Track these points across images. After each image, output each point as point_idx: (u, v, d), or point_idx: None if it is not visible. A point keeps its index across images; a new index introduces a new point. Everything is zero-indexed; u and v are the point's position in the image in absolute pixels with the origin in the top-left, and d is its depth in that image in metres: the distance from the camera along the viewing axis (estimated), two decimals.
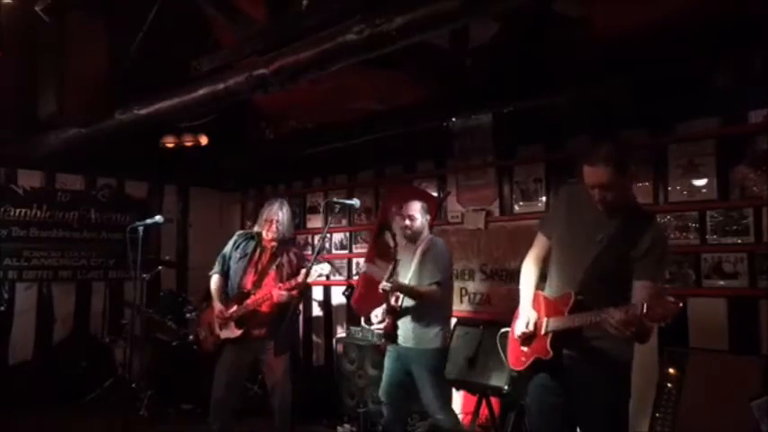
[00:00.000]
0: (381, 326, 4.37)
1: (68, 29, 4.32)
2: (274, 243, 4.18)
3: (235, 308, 4.09)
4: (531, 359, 2.72)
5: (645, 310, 2.29)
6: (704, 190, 4.05)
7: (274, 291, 4.02)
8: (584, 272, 2.62)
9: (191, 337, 5.78)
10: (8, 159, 6.16)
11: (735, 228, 3.91)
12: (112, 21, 4.49)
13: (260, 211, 4.30)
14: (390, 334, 4.16)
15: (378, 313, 4.29)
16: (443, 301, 4.18)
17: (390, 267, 4.18)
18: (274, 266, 4.17)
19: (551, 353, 2.63)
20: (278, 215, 4.16)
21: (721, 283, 3.94)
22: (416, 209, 4.24)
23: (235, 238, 4.36)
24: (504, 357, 2.94)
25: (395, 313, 4.15)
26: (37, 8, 4.20)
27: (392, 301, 4.16)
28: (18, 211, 6.35)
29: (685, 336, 4.01)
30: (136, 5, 4.40)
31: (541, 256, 2.91)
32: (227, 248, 4.32)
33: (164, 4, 4.21)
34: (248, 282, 4.16)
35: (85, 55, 4.38)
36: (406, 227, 4.25)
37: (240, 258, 4.22)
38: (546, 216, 3.05)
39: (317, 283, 6.56)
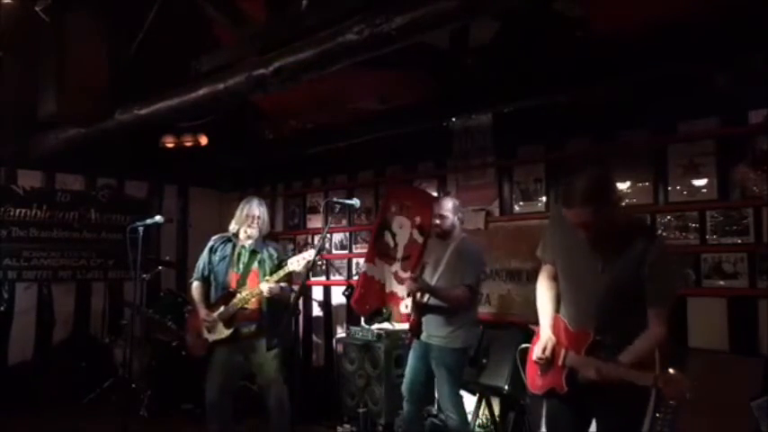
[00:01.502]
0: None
1: (68, 29, 4.31)
2: (251, 240, 4.19)
3: (222, 308, 4.09)
4: (547, 388, 2.68)
5: (656, 386, 2.29)
6: (704, 190, 4.05)
7: (263, 285, 4.02)
8: (595, 306, 2.55)
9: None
10: (8, 159, 6.16)
11: (735, 228, 3.91)
12: (112, 21, 4.49)
13: (238, 207, 4.27)
14: (415, 329, 4.17)
15: (408, 303, 4.27)
16: (472, 304, 4.18)
17: (420, 270, 4.18)
18: (256, 263, 4.18)
19: (566, 388, 2.58)
20: (258, 211, 4.18)
21: (721, 283, 3.94)
22: (448, 207, 4.23)
23: (211, 243, 4.33)
24: (522, 374, 2.88)
25: (420, 308, 4.16)
26: (37, 8, 4.19)
27: (418, 296, 4.17)
28: (18, 211, 6.34)
29: (685, 336, 4.02)
30: (136, 5, 4.40)
31: (552, 276, 2.84)
32: (205, 254, 4.31)
33: (164, 4, 4.21)
34: (232, 281, 4.17)
35: (85, 55, 4.38)
36: (437, 225, 4.25)
37: (220, 261, 4.22)
38: (544, 242, 2.89)
39: (317, 283, 6.57)
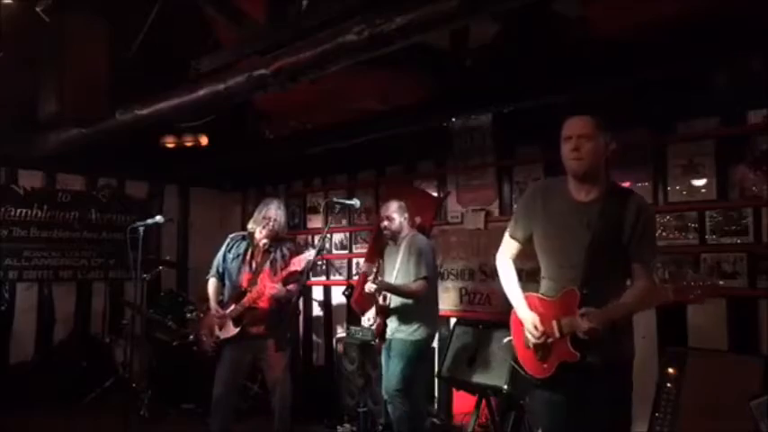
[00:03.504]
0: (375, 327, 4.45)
1: (69, 29, 4.31)
2: (266, 241, 4.21)
3: (232, 307, 4.12)
4: (556, 365, 2.59)
5: (673, 297, 2.31)
6: (704, 190, 4.06)
7: (267, 284, 4.04)
8: (579, 265, 2.54)
9: (191, 336, 5.79)
10: (8, 159, 6.16)
11: (734, 228, 3.91)
12: (113, 20, 4.49)
13: (257, 208, 4.33)
14: (382, 333, 4.27)
15: (370, 316, 4.39)
16: (429, 295, 4.28)
17: (374, 268, 4.26)
18: (268, 263, 4.20)
19: (578, 354, 2.51)
20: (276, 214, 4.23)
21: (721, 282, 3.93)
22: (393, 209, 4.35)
23: (227, 241, 4.40)
24: (518, 368, 2.80)
25: (384, 312, 4.24)
26: (37, 8, 4.20)
27: (380, 300, 4.24)
28: (19, 211, 6.35)
29: (685, 336, 4.02)
30: (136, 6, 4.40)
31: (514, 256, 2.85)
32: (221, 252, 4.36)
33: (164, 5, 4.21)
34: (244, 280, 4.20)
35: (85, 55, 4.38)
36: (385, 228, 4.38)
37: (234, 259, 4.26)
38: (518, 218, 2.86)
39: (317, 283, 6.57)
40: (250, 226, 4.31)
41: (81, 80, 4.38)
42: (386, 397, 4.30)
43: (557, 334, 2.57)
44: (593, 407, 2.56)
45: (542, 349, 2.64)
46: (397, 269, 4.28)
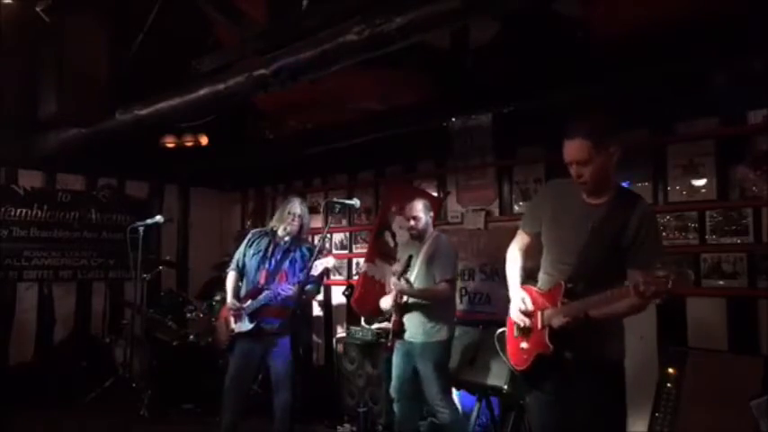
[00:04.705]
0: (384, 324, 4.41)
1: (68, 29, 4.32)
2: (288, 239, 4.21)
3: (249, 302, 4.12)
4: (533, 356, 2.64)
5: (634, 292, 2.28)
6: (704, 190, 4.06)
7: (284, 285, 4.04)
8: (574, 261, 2.58)
9: (191, 336, 5.79)
10: (8, 159, 6.17)
11: (734, 228, 3.91)
12: (112, 21, 4.50)
13: (280, 206, 4.33)
14: (398, 330, 4.20)
15: (388, 299, 4.29)
16: (452, 297, 4.25)
17: (403, 265, 4.21)
18: (288, 262, 4.20)
19: (551, 347, 2.54)
20: (300, 210, 4.22)
21: (720, 282, 3.94)
22: (419, 208, 4.28)
23: (249, 235, 4.39)
24: (504, 358, 2.88)
25: (401, 309, 4.19)
26: (37, 8, 4.20)
27: (398, 298, 4.20)
28: (19, 211, 6.35)
29: (685, 336, 4.02)
30: (136, 5, 4.41)
31: (524, 247, 2.88)
32: (242, 246, 4.36)
33: (164, 5, 4.22)
34: (262, 277, 4.19)
35: (85, 55, 4.39)
36: (412, 227, 4.31)
37: (254, 255, 4.25)
38: (528, 213, 2.95)
39: None
40: (273, 223, 4.30)
41: (81, 80, 4.38)
42: (394, 396, 4.27)
43: (539, 325, 2.62)
44: (581, 408, 2.57)
45: (525, 338, 2.69)
46: (418, 269, 4.22)
